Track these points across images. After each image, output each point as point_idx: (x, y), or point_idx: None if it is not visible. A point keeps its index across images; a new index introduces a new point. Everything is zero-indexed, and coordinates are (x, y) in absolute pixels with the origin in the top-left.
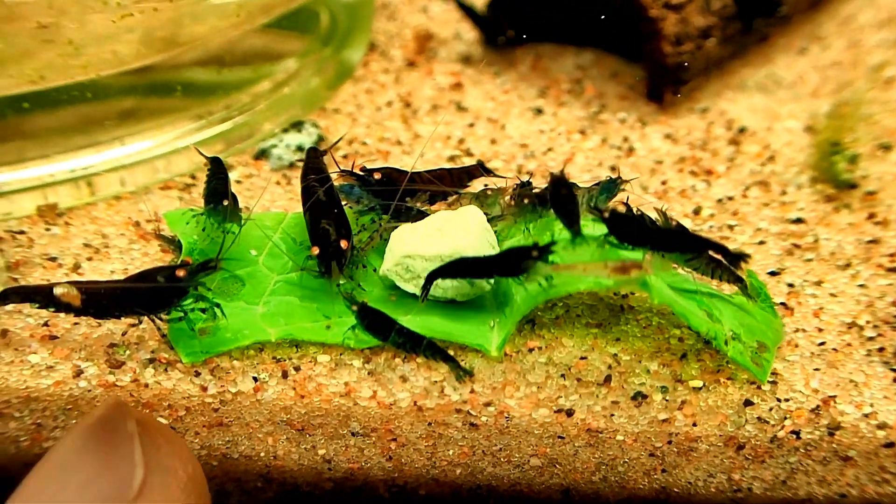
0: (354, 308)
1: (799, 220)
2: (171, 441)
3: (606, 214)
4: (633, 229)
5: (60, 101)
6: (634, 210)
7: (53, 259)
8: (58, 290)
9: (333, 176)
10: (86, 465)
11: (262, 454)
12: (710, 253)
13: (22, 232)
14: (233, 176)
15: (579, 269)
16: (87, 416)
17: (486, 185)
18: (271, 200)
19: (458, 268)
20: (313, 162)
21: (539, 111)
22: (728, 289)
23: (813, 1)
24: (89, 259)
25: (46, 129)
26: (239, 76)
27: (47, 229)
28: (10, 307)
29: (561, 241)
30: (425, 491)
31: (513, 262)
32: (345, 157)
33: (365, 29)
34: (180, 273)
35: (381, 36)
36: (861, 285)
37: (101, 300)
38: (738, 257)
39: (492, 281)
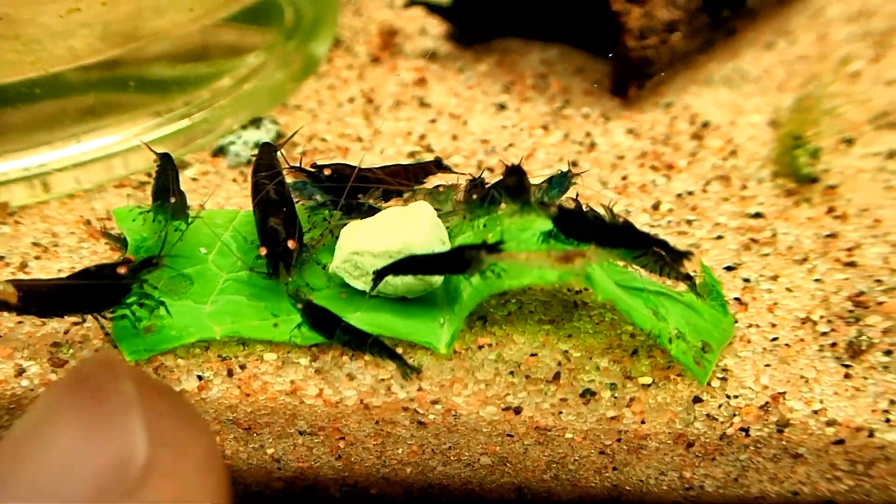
0: (300, 306)
1: (758, 215)
2: (180, 407)
3: (553, 210)
4: (578, 225)
5: (15, 97)
6: (583, 206)
7: (1, 258)
8: None
9: (284, 173)
10: (70, 437)
11: None
12: (657, 252)
13: None
14: (189, 173)
15: (522, 257)
16: (71, 371)
17: (439, 183)
18: (227, 198)
19: (407, 265)
20: (265, 158)
21: (502, 107)
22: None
23: None
24: (37, 258)
25: (2, 127)
26: (200, 71)
27: None
28: None
29: (509, 239)
30: (377, 490)
31: (461, 260)
32: (303, 153)
33: (330, 23)
34: (121, 270)
35: (346, 31)
36: (817, 280)
37: (41, 298)
38: (681, 255)
39: (441, 277)
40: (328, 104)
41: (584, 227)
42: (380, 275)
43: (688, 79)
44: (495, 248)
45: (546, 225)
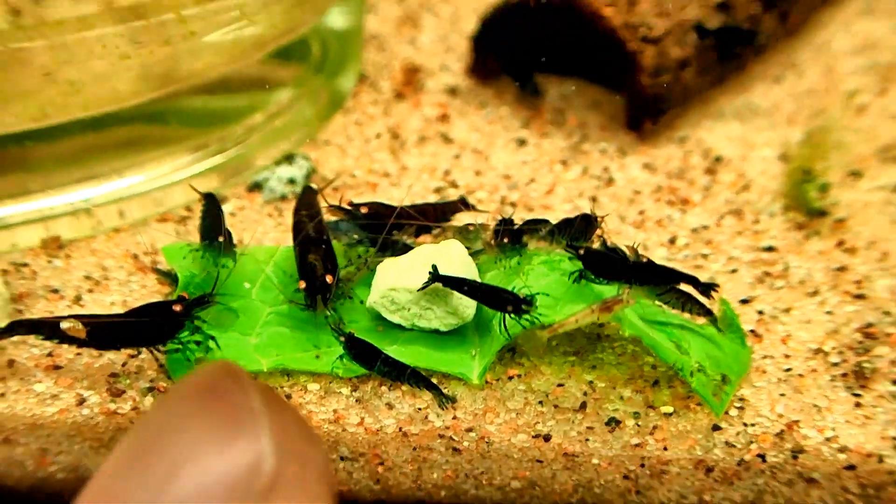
0: (342, 339)
1: (770, 249)
2: (300, 422)
3: (581, 251)
4: (607, 265)
5: (60, 135)
6: (608, 243)
7: (56, 291)
8: (64, 325)
9: (323, 211)
10: (204, 444)
11: None
12: (681, 286)
13: (25, 264)
14: (226, 208)
15: (572, 321)
16: (192, 376)
17: (469, 222)
18: (263, 232)
19: (460, 284)
20: (306, 199)
21: (523, 142)
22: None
23: (789, 29)
24: (90, 291)
25: (47, 163)
26: (232, 105)
27: (49, 262)
28: (15, 338)
29: (536, 280)
30: None
31: (499, 300)
32: (335, 189)
33: (355, 60)
34: (177, 308)
35: (370, 67)
36: (828, 312)
37: (104, 333)
38: (709, 287)
39: (474, 312)
40: (356, 140)
41: (613, 267)
42: (435, 279)
43: (700, 113)
44: (529, 302)
45: (573, 265)
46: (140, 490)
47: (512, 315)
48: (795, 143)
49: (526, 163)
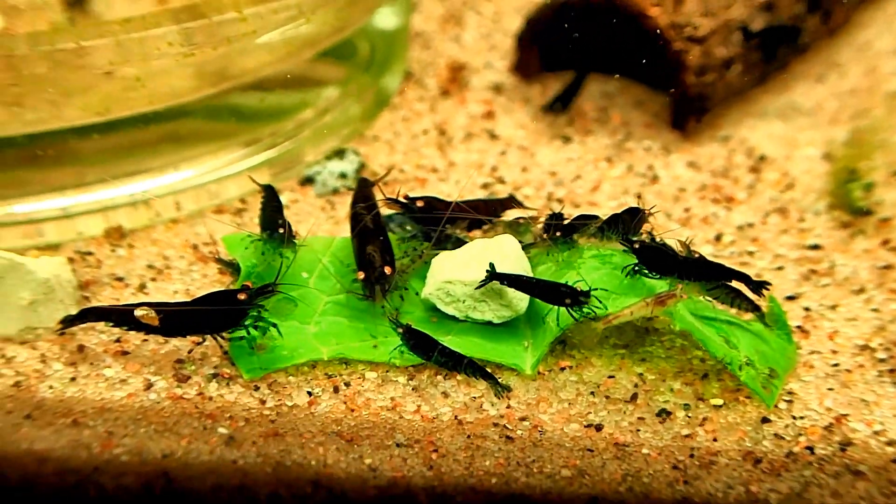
0: (400, 330)
1: (816, 247)
2: None
3: (637, 246)
4: (662, 260)
5: (118, 129)
6: (657, 239)
7: (121, 279)
8: (138, 313)
9: (379, 204)
10: None
11: (313, 462)
12: (731, 283)
13: (90, 253)
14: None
15: (627, 313)
16: None
17: (519, 216)
18: (317, 225)
19: (517, 281)
20: (363, 191)
21: (567, 139)
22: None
23: (831, 28)
24: (153, 279)
25: (106, 156)
26: (283, 103)
27: (113, 250)
28: (85, 325)
29: (588, 274)
30: (462, 499)
31: (557, 294)
32: (386, 183)
33: (401, 57)
34: (242, 296)
35: (415, 64)
36: (874, 309)
37: (173, 320)
38: (760, 285)
39: (527, 305)
40: (403, 136)
41: (667, 263)
42: (493, 277)
43: (743, 112)
44: (587, 294)
45: (624, 259)
46: None
47: (570, 309)
48: (839, 142)
49: (571, 160)
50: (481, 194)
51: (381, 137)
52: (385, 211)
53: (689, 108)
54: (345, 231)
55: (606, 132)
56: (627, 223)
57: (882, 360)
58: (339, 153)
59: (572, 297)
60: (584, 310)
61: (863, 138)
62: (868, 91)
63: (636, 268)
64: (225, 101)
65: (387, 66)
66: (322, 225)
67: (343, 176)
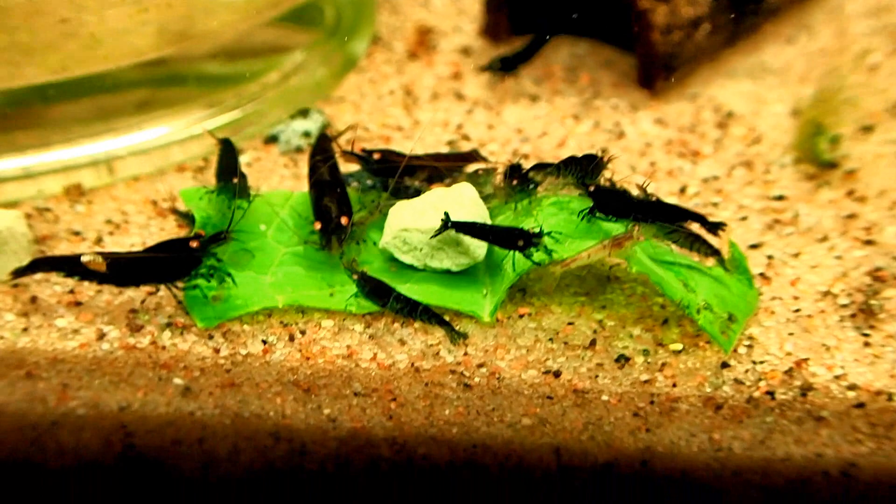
0: (355, 277)
1: (780, 198)
2: None
3: (592, 189)
4: (617, 202)
5: (82, 90)
6: (617, 186)
7: (77, 233)
8: (85, 258)
9: (337, 157)
10: None
11: (272, 413)
12: (690, 227)
13: (48, 209)
14: (243, 159)
15: (585, 256)
16: None
17: (478, 167)
18: (279, 182)
19: (472, 228)
20: (322, 145)
21: (535, 98)
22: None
23: None
24: (111, 234)
25: (69, 117)
26: (248, 68)
27: (71, 206)
28: (38, 276)
29: (545, 220)
30: (424, 450)
31: (509, 238)
32: (349, 141)
33: (368, 22)
34: (194, 244)
35: (384, 29)
36: (837, 257)
37: (123, 269)
38: (716, 226)
39: (485, 253)
40: (369, 96)
41: (623, 205)
42: (447, 225)
43: (712, 71)
44: (539, 235)
45: (581, 204)
46: None
47: (524, 252)
48: (807, 100)
49: (538, 118)
50: (446, 151)
51: (347, 98)
52: (346, 168)
53: (655, 67)
54: (306, 187)
55: (574, 91)
56: (584, 166)
57: (844, 306)
58: (303, 112)
59: (524, 240)
60: (540, 253)
61: (831, 95)
62: (838, 51)
63: (592, 211)
64: (189, 68)
65: (354, 30)
66: (284, 182)
67: (307, 135)
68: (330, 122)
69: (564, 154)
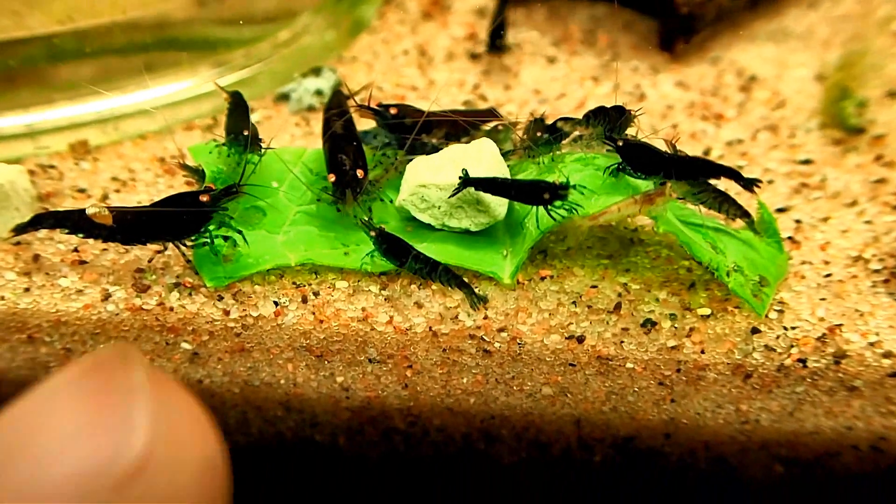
0: (372, 234)
1: (807, 161)
2: (192, 408)
3: (620, 143)
4: (647, 157)
5: (90, 47)
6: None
7: (82, 190)
8: (90, 211)
9: (352, 112)
10: (74, 413)
11: (283, 381)
12: (717, 186)
13: (52, 166)
14: (253, 118)
15: (614, 210)
16: (85, 357)
17: (497, 124)
18: (290, 140)
19: (492, 185)
20: (336, 100)
21: (552, 60)
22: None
23: None
24: (116, 191)
25: (75, 75)
26: (256, 31)
27: (76, 164)
28: (41, 234)
29: (571, 175)
30: (440, 421)
31: (534, 191)
32: (363, 98)
33: None
34: (204, 198)
35: None
36: (867, 221)
37: (129, 224)
38: (751, 182)
39: (505, 211)
40: (383, 56)
41: (653, 160)
42: (466, 183)
43: (733, 35)
44: (565, 188)
45: (607, 161)
46: None
47: (550, 206)
48: (831, 65)
49: (556, 79)
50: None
51: (360, 58)
52: (361, 126)
53: (677, 29)
54: (318, 145)
55: (593, 53)
56: (613, 119)
57: (876, 271)
58: (316, 70)
59: (551, 193)
60: (566, 207)
61: (855, 60)
62: (861, 17)
63: (620, 166)
64: (197, 32)
65: None
66: (296, 141)
67: (319, 93)
68: (342, 81)
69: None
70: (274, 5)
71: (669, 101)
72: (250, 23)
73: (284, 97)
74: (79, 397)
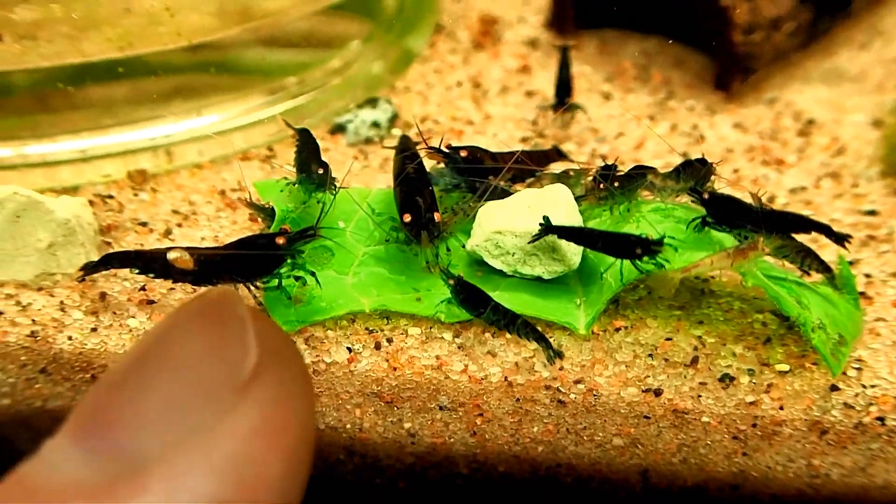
0: (451, 282)
1: (872, 213)
2: (281, 333)
3: (706, 196)
4: (735, 211)
5: (142, 72)
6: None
7: (144, 224)
8: (171, 255)
9: (423, 155)
10: (196, 341)
11: (349, 426)
12: (800, 242)
13: (111, 196)
14: None
15: (707, 263)
16: (195, 297)
17: (566, 168)
18: (350, 175)
19: (577, 234)
20: (405, 143)
21: (607, 96)
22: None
23: None
24: (179, 225)
25: (128, 99)
26: (309, 57)
27: (135, 194)
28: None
29: (650, 226)
30: (504, 468)
31: (626, 245)
32: (425, 133)
33: (431, 10)
34: (280, 241)
35: (447, 17)
36: None
37: (207, 265)
38: (843, 238)
39: (580, 260)
40: (436, 87)
41: (740, 214)
42: (548, 231)
43: (787, 76)
44: (660, 243)
45: (686, 212)
46: (134, 391)
47: (638, 261)
48: (887, 109)
49: (612, 116)
50: (521, 148)
51: (413, 88)
52: (429, 166)
53: (734, 68)
54: (379, 182)
55: (647, 90)
56: (697, 172)
57: None
58: (372, 102)
59: (643, 247)
60: (648, 263)
61: None
62: None
63: (705, 220)
64: (249, 54)
65: (416, 18)
66: (355, 175)
67: (376, 125)
68: (398, 113)
69: (643, 156)
70: (329, 31)
71: (728, 144)
72: (302, 48)
73: (341, 128)
74: (203, 325)
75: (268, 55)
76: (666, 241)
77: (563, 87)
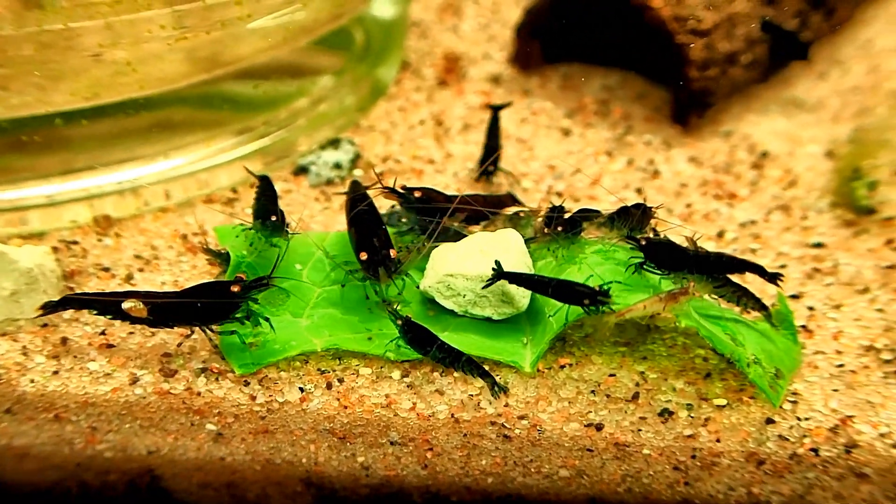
0: (399, 322)
1: (819, 245)
2: None
3: (643, 242)
4: (671, 256)
5: (106, 115)
6: (661, 236)
7: (107, 269)
8: (126, 305)
9: (378, 195)
10: None
11: (304, 460)
12: (736, 280)
13: (75, 242)
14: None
15: (639, 308)
16: None
17: (518, 209)
18: (310, 216)
19: (528, 281)
20: (356, 187)
21: (567, 132)
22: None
23: (833, 24)
24: (140, 270)
25: (93, 142)
26: (277, 92)
27: (99, 240)
28: (67, 315)
29: (590, 269)
30: (457, 498)
31: (574, 294)
32: (380, 174)
33: (398, 47)
34: (235, 288)
35: (412, 54)
36: (879, 309)
37: (161, 312)
38: (775, 276)
39: (528, 302)
40: (400, 126)
41: (675, 258)
42: (499, 277)
43: (744, 107)
44: (606, 293)
45: (626, 254)
46: None
47: (587, 308)
48: (842, 140)
49: (571, 153)
50: (479, 187)
51: (377, 127)
52: (382, 207)
53: (691, 103)
54: (340, 224)
55: (607, 125)
56: (635, 217)
57: (887, 362)
58: (334, 143)
59: (590, 297)
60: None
61: (866, 137)
62: (871, 89)
63: (642, 264)
64: (217, 90)
65: (383, 55)
66: (315, 216)
67: (338, 166)
68: (361, 153)
69: (599, 193)
70: (296, 65)
71: (683, 179)
72: (273, 82)
73: (304, 170)
74: None
75: (236, 93)
76: (606, 286)
77: (489, 153)
